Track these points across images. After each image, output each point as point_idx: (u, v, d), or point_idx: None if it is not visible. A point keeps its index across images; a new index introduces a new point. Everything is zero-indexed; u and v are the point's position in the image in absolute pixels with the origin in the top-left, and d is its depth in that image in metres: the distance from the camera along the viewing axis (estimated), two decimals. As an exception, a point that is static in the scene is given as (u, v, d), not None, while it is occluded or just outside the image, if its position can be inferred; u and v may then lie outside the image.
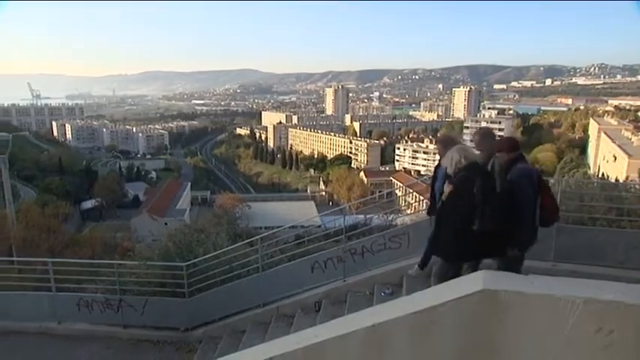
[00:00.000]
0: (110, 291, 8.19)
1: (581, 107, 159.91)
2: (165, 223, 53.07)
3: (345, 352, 2.27)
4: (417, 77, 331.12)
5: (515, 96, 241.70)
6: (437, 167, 5.66)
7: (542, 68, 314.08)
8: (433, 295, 2.21)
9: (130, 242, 31.72)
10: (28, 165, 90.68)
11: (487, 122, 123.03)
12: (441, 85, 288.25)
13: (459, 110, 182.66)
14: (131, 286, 8.23)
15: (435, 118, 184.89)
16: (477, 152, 4.87)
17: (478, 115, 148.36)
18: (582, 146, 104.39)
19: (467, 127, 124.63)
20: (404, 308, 2.19)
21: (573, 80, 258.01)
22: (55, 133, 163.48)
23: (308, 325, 5.07)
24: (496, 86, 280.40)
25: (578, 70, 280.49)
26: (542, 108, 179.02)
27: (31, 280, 9.20)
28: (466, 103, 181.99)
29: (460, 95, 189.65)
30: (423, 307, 2.11)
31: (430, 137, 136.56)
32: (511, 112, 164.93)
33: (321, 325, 2.59)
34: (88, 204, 80.00)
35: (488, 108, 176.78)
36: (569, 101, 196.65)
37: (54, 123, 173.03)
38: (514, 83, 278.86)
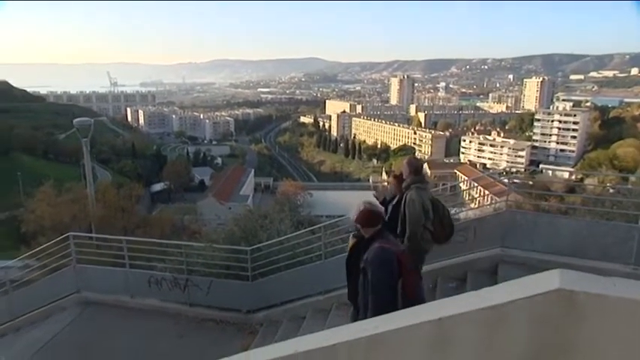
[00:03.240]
0: (178, 270, 8.57)
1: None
2: (230, 208, 54.91)
3: (409, 345, 2.25)
4: (486, 67, 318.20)
5: (593, 87, 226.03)
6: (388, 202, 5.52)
7: (627, 57, 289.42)
8: (504, 291, 2.13)
9: (197, 225, 32.99)
10: (105, 149, 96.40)
11: (560, 115, 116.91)
12: (511, 76, 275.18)
13: (530, 102, 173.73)
14: (197, 267, 8.59)
15: (504, 109, 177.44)
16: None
17: (551, 107, 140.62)
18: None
19: (538, 120, 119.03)
20: (472, 303, 2.13)
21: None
22: (129, 119, 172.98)
23: (368, 315, 5.08)
24: (573, 77, 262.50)
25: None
26: (625, 100, 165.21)
27: (108, 256, 9.85)
28: (538, 95, 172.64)
29: (532, 86, 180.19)
30: (492, 303, 2.04)
31: (498, 130, 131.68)
32: (588, 104, 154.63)
33: (385, 316, 2.58)
34: (158, 187, 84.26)
35: (563, 100, 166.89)
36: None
37: (128, 109, 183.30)
38: (593, 73, 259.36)
